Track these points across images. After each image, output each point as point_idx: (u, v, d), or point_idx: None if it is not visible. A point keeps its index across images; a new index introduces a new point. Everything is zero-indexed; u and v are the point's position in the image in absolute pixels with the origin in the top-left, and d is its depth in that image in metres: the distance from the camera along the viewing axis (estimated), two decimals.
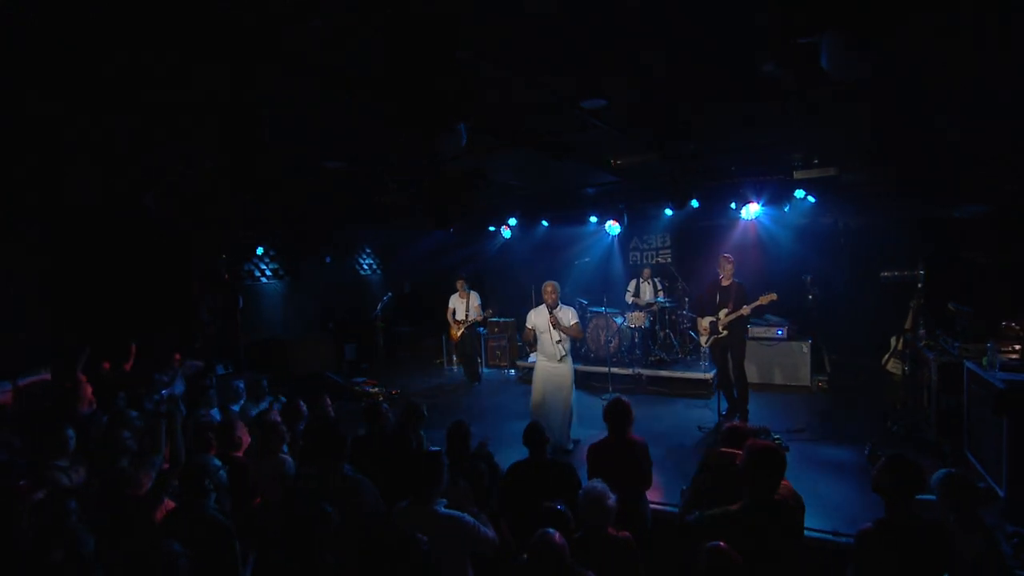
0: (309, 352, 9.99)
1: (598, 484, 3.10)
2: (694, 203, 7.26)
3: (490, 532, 2.88)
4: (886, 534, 2.54)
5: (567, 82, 3.65)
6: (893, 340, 7.54)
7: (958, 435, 4.72)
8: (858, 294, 7.37)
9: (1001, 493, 4.00)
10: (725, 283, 6.36)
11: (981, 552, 2.75)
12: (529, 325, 5.87)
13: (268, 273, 10.30)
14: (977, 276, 5.55)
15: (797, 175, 5.61)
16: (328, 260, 11.01)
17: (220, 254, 8.37)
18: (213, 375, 7.99)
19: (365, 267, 12.65)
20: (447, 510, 2.93)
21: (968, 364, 4.57)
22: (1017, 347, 4.62)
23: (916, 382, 5.67)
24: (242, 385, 6.37)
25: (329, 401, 5.00)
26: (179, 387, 7.18)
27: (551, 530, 2.36)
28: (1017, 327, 4.98)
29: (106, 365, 6.03)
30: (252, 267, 9.92)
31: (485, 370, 9.79)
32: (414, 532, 2.46)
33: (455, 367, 10.71)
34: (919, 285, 5.80)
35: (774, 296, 5.78)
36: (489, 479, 3.66)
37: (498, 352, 10.52)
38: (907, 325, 7.25)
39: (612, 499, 3.02)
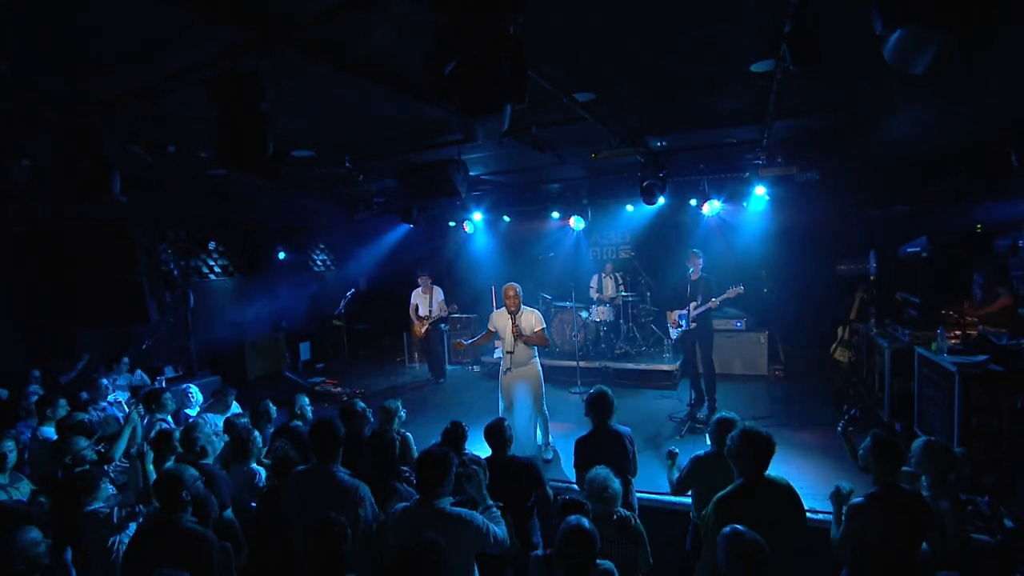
0: (262, 353, 9.53)
1: (601, 471, 3.14)
2: (661, 199, 7.45)
3: (499, 531, 2.84)
4: (878, 505, 2.71)
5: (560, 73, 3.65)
6: (840, 330, 8.03)
7: (909, 416, 5.09)
8: (809, 287, 7.80)
9: None
10: (694, 277, 6.57)
11: (950, 514, 3.00)
12: (490, 327, 5.54)
13: (217, 270, 9.73)
14: (920, 268, 6.00)
15: (763, 172, 5.87)
16: (282, 256, 10.54)
17: (166, 249, 7.83)
18: (163, 378, 7.50)
19: (319, 263, 12.21)
20: (454, 508, 2.87)
21: (919, 350, 4.94)
22: (958, 333, 5.05)
23: (868, 368, 6.07)
24: (191, 389, 6.00)
25: (308, 401, 4.81)
26: (123, 393, 6.71)
27: (581, 518, 2.35)
28: (955, 315, 5.45)
29: None
30: (200, 263, 9.34)
31: (448, 367, 9.67)
32: (431, 535, 2.39)
33: (416, 364, 10.53)
34: (871, 277, 6.21)
35: (741, 289, 6.02)
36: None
37: (457, 348, 10.42)
38: (852, 315, 7.75)
39: (617, 483, 3.08)
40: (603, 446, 3.93)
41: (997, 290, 5.39)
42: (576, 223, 9.13)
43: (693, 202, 7.71)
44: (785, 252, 7.98)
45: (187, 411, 5.58)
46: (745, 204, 7.20)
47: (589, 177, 7.75)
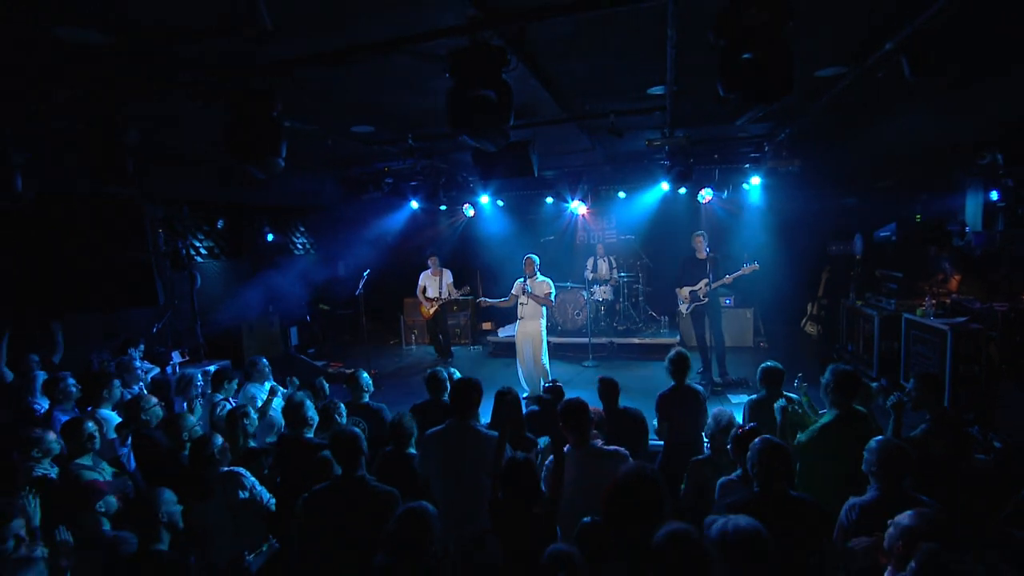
0: (259, 336, 9.31)
1: (725, 410, 3.68)
2: (665, 185, 8.11)
3: None
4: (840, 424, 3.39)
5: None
6: (809, 306, 9.17)
7: (895, 371, 6.10)
8: (787, 268, 8.81)
9: None
10: (700, 256, 7.30)
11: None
12: (513, 291, 6.90)
13: (203, 252, 9.32)
14: (890, 249, 7.08)
15: (771, 165, 6.66)
16: (270, 238, 10.24)
17: (172, 228, 7.47)
18: (175, 363, 7.20)
19: (299, 247, 11.91)
20: (486, 429, 3.34)
21: (906, 315, 5.93)
22: (933, 301, 6.11)
23: (850, 335, 7.09)
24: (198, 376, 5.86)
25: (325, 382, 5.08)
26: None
27: (767, 437, 2.81)
28: (926, 286, 6.54)
29: None
30: (177, 246, 8.89)
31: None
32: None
33: (414, 347, 10.65)
34: (857, 256, 7.22)
35: (756, 266, 6.81)
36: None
37: (457, 330, 10.69)
38: (819, 292, 8.86)
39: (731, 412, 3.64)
40: (683, 400, 4.48)
41: (954, 269, 6.54)
42: (574, 209, 9.66)
43: (708, 191, 8.37)
44: (768, 236, 8.96)
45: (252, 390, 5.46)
46: (746, 188, 8.03)
47: (601, 164, 8.27)
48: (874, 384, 4.56)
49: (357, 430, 3.09)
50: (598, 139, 6.62)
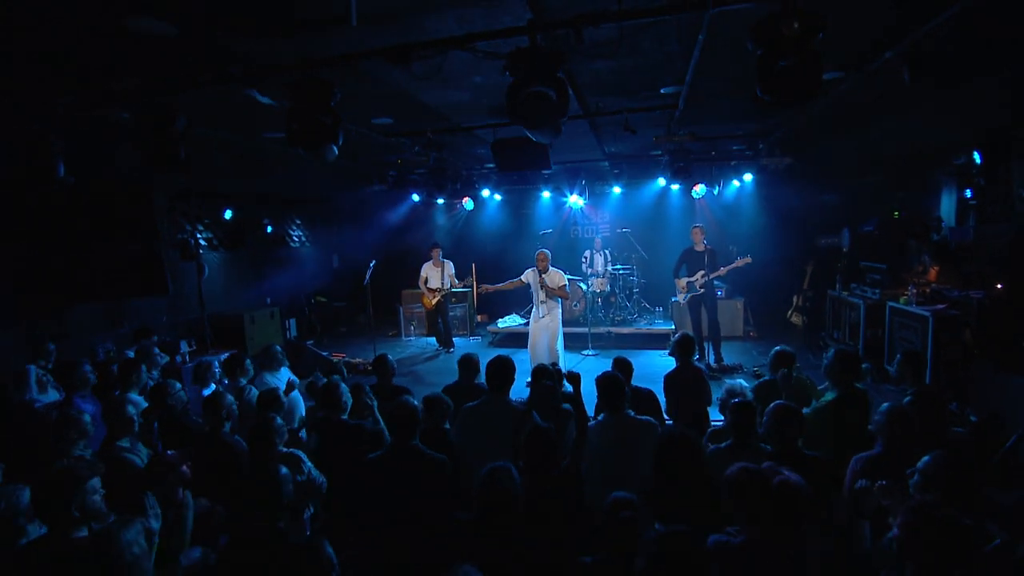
0: (260, 327, 9.36)
1: (737, 382, 4.00)
2: (662, 181, 8.44)
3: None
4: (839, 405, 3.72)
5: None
6: (795, 297, 9.62)
7: (880, 356, 6.55)
8: (775, 261, 9.25)
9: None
10: (699, 249, 7.67)
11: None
12: (523, 278, 7.05)
13: (203, 243, 9.33)
14: (872, 242, 7.56)
15: (765, 162, 7.05)
16: (269, 230, 10.29)
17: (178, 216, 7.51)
18: (185, 353, 7.26)
19: (295, 239, 11.94)
20: (517, 402, 3.62)
21: (891, 303, 6.38)
22: (915, 290, 6.57)
23: (835, 323, 7.54)
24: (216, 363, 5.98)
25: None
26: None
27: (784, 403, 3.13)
28: (908, 276, 7.01)
29: None
30: (186, 236, 8.91)
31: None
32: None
33: (413, 338, 10.82)
34: (844, 249, 7.68)
35: (749, 259, 7.20)
36: None
37: (455, 321, 10.88)
38: (804, 284, 9.32)
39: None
40: (689, 379, 4.80)
41: (933, 261, 7.03)
42: (573, 203, 9.95)
43: (702, 187, 8.71)
44: (757, 230, 9.39)
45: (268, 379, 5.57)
46: (737, 184, 8.43)
47: (600, 160, 8.57)
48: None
49: (415, 402, 3.31)
50: (601, 135, 6.92)
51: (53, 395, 5.12)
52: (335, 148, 3.28)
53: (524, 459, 3.01)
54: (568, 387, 4.14)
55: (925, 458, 2.41)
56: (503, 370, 3.88)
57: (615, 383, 3.51)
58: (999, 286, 5.87)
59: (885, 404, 3.02)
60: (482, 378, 4.96)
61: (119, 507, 2.79)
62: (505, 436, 3.70)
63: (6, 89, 3.62)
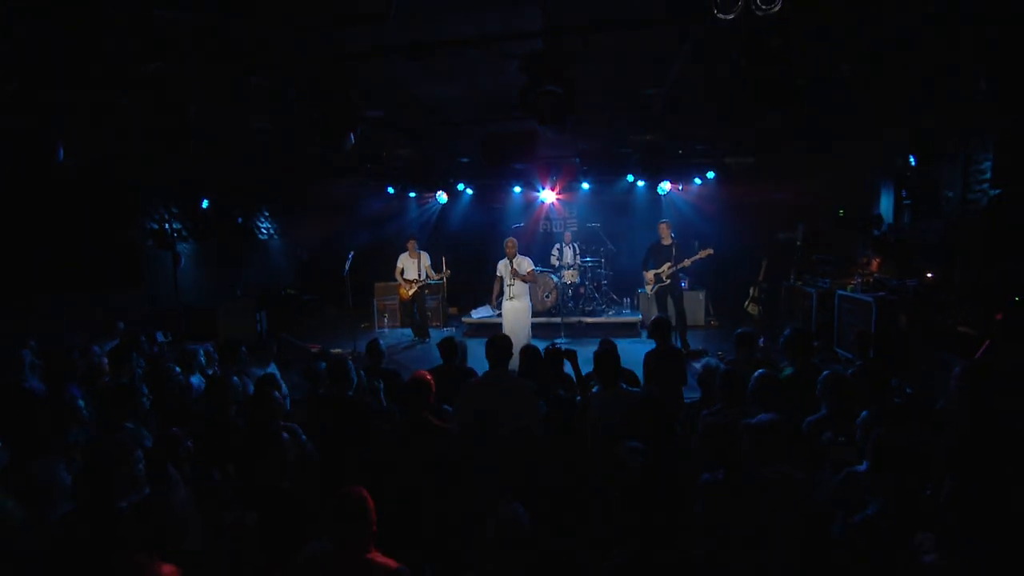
0: (234, 318, 9.26)
1: (711, 359, 4.44)
2: (630, 178, 8.89)
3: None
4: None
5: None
6: (751, 289, 10.30)
7: (830, 338, 7.21)
8: (733, 254, 9.88)
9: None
10: (666, 243, 8.17)
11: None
12: (498, 272, 7.51)
13: (172, 234, 9.14)
14: (824, 237, 8.29)
15: (727, 161, 7.59)
16: (240, 221, 10.16)
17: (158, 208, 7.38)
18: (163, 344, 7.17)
19: (263, 231, 11.80)
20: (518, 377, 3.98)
21: (839, 291, 7.04)
22: (860, 280, 7.26)
23: (791, 311, 8.20)
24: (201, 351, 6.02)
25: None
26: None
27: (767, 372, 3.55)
28: (854, 268, 7.72)
29: None
30: (158, 225, 8.74)
31: None
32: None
33: (387, 329, 10.91)
34: (798, 243, 8.34)
35: (711, 251, 7.72)
36: None
37: (428, 312, 11.04)
38: (760, 277, 10.00)
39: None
40: (666, 358, 5.21)
41: (875, 254, 7.78)
42: (546, 197, 10.30)
43: (667, 183, 9.21)
44: (717, 225, 10.00)
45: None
46: (699, 182, 8.99)
47: (571, 157, 8.94)
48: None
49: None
50: (576, 132, 7.28)
51: (37, 384, 5.06)
52: (352, 138, 3.46)
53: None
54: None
55: (863, 413, 2.87)
56: (501, 346, 4.16)
57: (613, 357, 3.85)
58: (929, 275, 6.61)
59: (825, 372, 3.49)
60: (468, 360, 5.30)
61: (149, 478, 2.94)
62: (512, 405, 3.98)
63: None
